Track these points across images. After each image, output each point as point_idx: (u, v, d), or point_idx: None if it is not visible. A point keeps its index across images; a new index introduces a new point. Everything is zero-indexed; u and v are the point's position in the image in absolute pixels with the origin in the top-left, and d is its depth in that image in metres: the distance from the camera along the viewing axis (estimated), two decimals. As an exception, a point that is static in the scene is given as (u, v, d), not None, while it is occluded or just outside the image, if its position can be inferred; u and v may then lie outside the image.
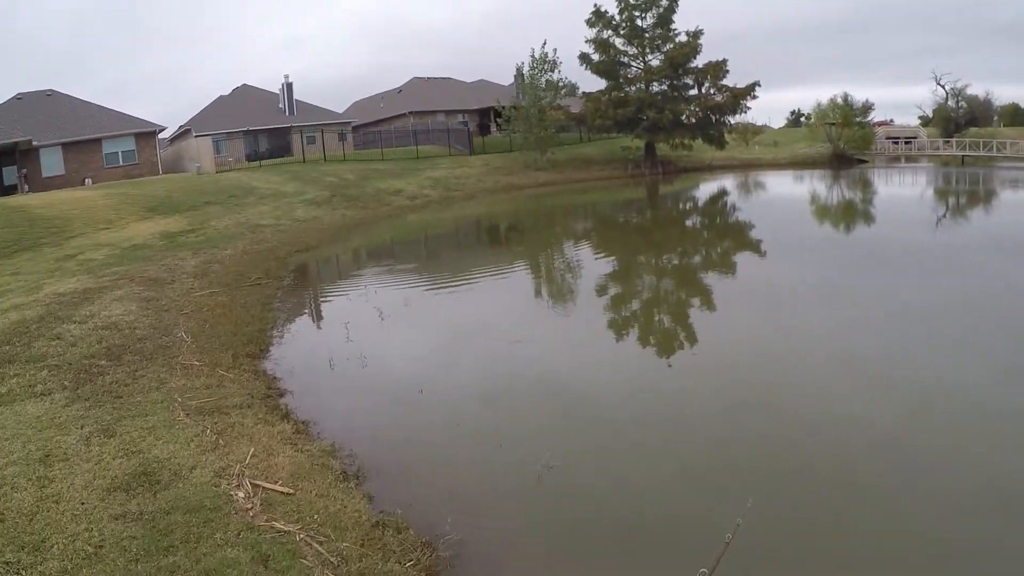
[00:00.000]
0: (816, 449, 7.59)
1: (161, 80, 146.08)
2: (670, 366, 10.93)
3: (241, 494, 5.77)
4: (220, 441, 6.95)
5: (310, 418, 8.46)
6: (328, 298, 17.13)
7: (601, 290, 16.61)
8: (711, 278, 17.85)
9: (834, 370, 10.11)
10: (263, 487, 5.97)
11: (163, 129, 47.83)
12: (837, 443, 7.70)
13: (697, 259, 21.20)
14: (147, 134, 44.48)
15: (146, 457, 6.40)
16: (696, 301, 15.39)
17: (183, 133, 56.52)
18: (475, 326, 13.52)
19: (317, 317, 15.49)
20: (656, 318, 14.38)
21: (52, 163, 40.92)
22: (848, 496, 6.55)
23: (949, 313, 12.79)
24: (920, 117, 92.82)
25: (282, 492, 5.95)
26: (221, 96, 59.47)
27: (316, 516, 5.61)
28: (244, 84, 61.49)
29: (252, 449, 6.77)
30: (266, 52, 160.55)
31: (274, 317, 14.16)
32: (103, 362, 9.48)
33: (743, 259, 20.36)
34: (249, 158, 50.96)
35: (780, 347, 11.41)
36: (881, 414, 8.30)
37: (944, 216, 28.64)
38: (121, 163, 43.02)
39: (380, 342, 12.49)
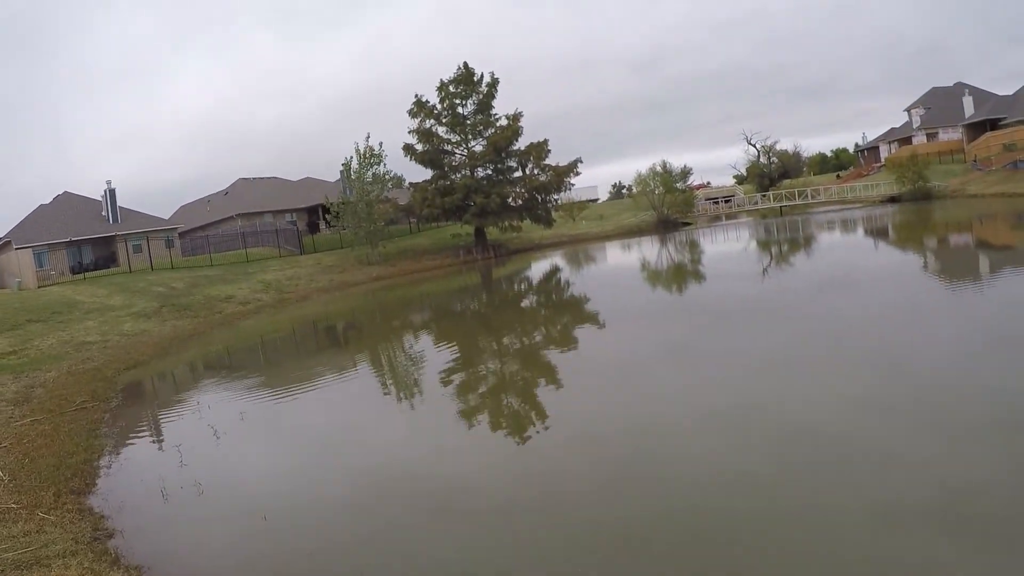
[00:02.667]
0: (698, 516, 7.42)
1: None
2: (535, 449, 10.32)
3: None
4: (42, 605, 6.20)
5: (143, 562, 7.57)
6: (159, 418, 15.58)
7: (449, 381, 15.73)
8: (557, 355, 17.43)
9: (698, 428, 10.07)
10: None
11: (-18, 241, 43.31)
12: (721, 507, 7.47)
13: (539, 338, 20.81)
14: (-36, 248, 40.01)
15: (-45, 636, 5.58)
16: (546, 380, 14.82)
17: (3, 246, 51.07)
18: (318, 435, 12.66)
19: (148, 441, 13.88)
20: (511, 402, 13.56)
21: None
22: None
23: (793, 357, 13.55)
24: (735, 176, 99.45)
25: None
26: (42, 205, 54.56)
27: None
28: (66, 192, 57.08)
29: (78, 611, 6.08)
30: (88, 157, 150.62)
31: (101, 444, 12.90)
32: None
33: (584, 332, 20.16)
34: (73, 270, 46.98)
35: (640, 412, 11.22)
36: (753, 463, 8.41)
37: (769, 266, 30.58)
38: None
39: (217, 464, 11.55)
